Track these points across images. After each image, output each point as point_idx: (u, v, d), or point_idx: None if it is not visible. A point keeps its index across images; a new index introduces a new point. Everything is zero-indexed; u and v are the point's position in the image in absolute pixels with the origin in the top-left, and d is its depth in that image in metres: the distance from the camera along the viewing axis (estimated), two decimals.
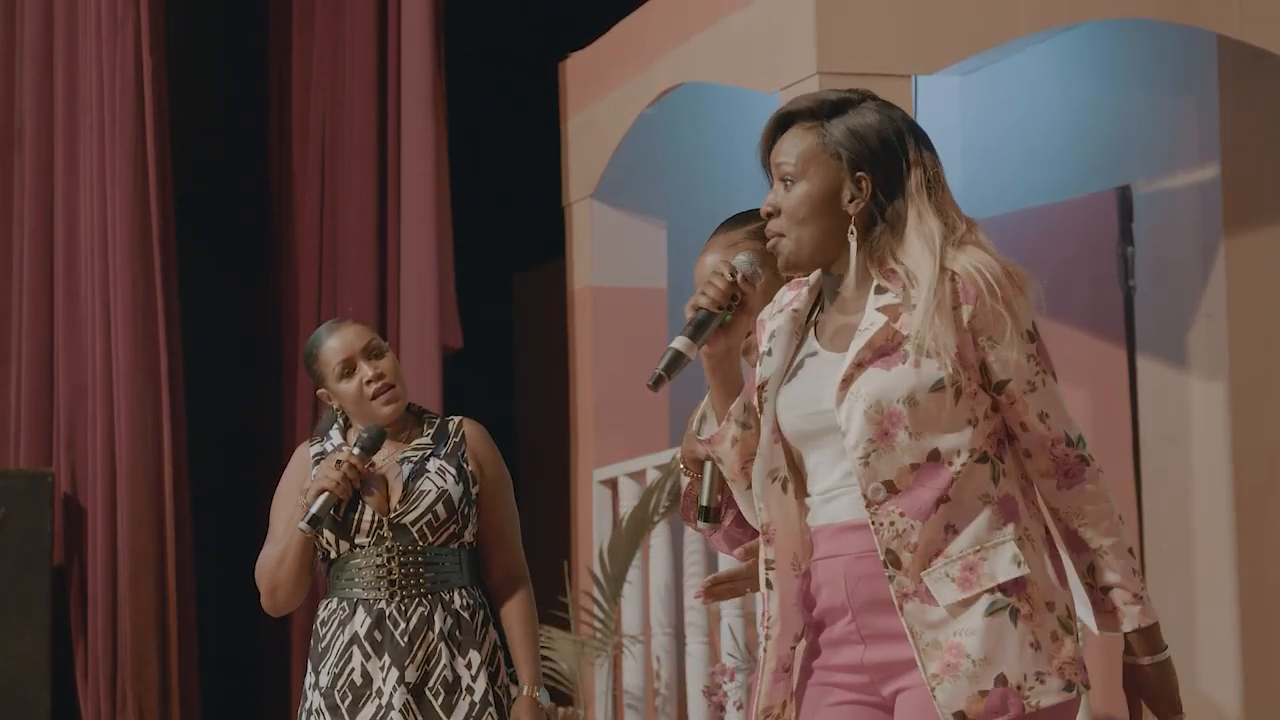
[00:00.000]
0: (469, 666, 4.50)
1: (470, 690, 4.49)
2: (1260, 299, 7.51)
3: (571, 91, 8.58)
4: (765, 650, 3.16)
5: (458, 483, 4.55)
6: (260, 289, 8.38)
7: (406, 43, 8.04)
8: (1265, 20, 6.98)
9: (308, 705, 4.55)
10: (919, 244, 3.07)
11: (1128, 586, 3.07)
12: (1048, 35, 7.25)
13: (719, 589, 3.48)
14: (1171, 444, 7.71)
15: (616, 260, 8.37)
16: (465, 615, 4.52)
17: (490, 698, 4.49)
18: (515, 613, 4.61)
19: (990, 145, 8.40)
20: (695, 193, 8.40)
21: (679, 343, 3.19)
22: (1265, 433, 7.48)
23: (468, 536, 4.57)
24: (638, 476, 7.45)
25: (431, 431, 4.62)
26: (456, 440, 4.61)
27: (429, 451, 4.59)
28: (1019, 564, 3.01)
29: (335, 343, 4.59)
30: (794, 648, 3.14)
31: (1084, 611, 3.27)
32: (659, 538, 7.23)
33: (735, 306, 3.21)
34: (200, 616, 7.76)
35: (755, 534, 3.47)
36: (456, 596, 4.53)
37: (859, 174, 3.10)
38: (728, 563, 6.84)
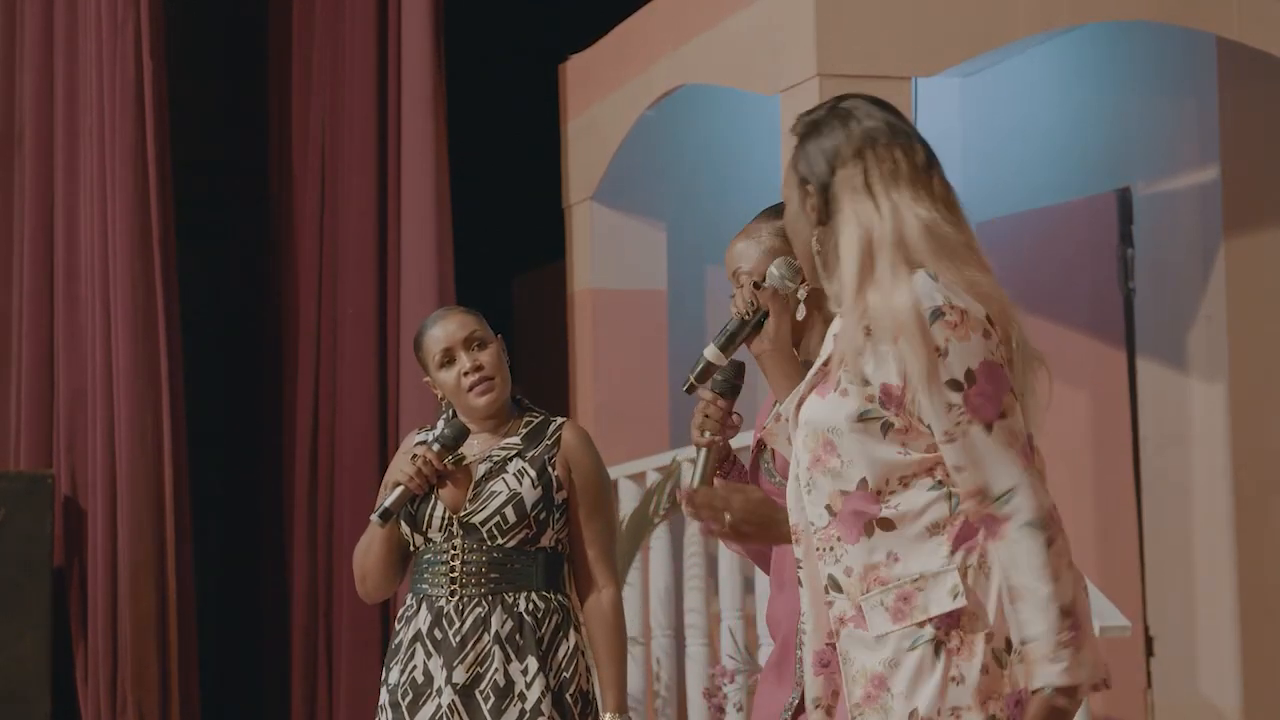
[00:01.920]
0: (524, 672, 4.37)
1: (523, 697, 4.36)
2: (1260, 301, 7.51)
3: (571, 93, 8.58)
4: (801, 643, 3.12)
5: (535, 486, 4.43)
6: (260, 289, 8.37)
7: (406, 43, 8.04)
8: (1265, 21, 6.98)
9: (380, 701, 4.48)
10: (842, 245, 2.97)
11: (1045, 640, 2.84)
12: (1048, 37, 7.25)
13: (748, 528, 3.26)
14: (1171, 445, 7.70)
15: (616, 262, 8.37)
16: (529, 620, 4.39)
17: (545, 706, 4.35)
18: (595, 630, 4.47)
19: (990, 147, 8.40)
20: (695, 195, 8.40)
21: (709, 352, 3.30)
22: (1265, 433, 7.48)
23: (546, 541, 4.43)
24: (638, 478, 7.44)
25: (526, 431, 4.50)
26: (549, 443, 4.48)
27: (515, 451, 4.47)
28: (955, 596, 2.89)
29: (438, 331, 4.56)
30: (830, 644, 3.05)
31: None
32: (659, 539, 7.22)
33: (760, 313, 3.25)
34: (200, 618, 7.76)
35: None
36: (523, 600, 4.40)
37: (806, 184, 3.02)
38: (727, 563, 6.84)
